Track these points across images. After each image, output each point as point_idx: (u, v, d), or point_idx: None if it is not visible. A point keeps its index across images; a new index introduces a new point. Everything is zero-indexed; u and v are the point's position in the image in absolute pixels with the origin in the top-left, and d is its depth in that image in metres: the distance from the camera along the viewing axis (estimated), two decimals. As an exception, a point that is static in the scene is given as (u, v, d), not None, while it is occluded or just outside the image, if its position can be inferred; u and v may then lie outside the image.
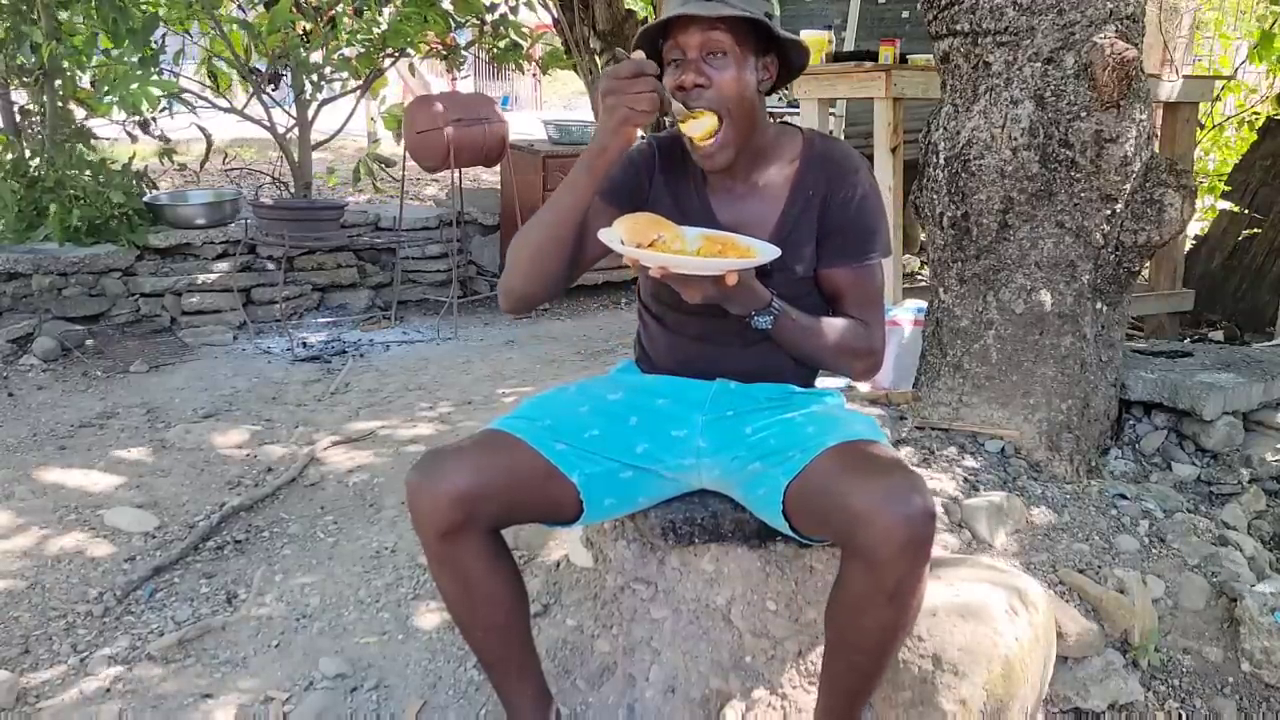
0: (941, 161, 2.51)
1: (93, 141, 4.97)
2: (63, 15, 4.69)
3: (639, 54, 1.54)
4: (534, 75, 7.84)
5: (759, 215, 1.73)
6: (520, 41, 5.80)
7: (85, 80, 4.98)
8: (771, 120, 1.81)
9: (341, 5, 5.30)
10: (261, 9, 5.26)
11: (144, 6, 4.81)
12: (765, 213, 1.73)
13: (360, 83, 5.54)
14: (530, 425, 1.66)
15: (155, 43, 4.88)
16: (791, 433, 1.65)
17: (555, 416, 1.69)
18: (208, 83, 5.26)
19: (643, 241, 1.55)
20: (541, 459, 1.62)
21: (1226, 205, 4.92)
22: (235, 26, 5.08)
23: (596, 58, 7.41)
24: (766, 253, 1.60)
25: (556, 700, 1.76)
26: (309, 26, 5.17)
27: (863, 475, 1.46)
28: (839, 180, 1.72)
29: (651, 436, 1.73)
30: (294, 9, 4.88)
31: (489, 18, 5.60)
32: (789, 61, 1.72)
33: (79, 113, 5.02)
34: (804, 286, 1.73)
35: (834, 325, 1.72)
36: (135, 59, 4.57)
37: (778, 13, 1.66)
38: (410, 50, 5.49)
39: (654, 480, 1.74)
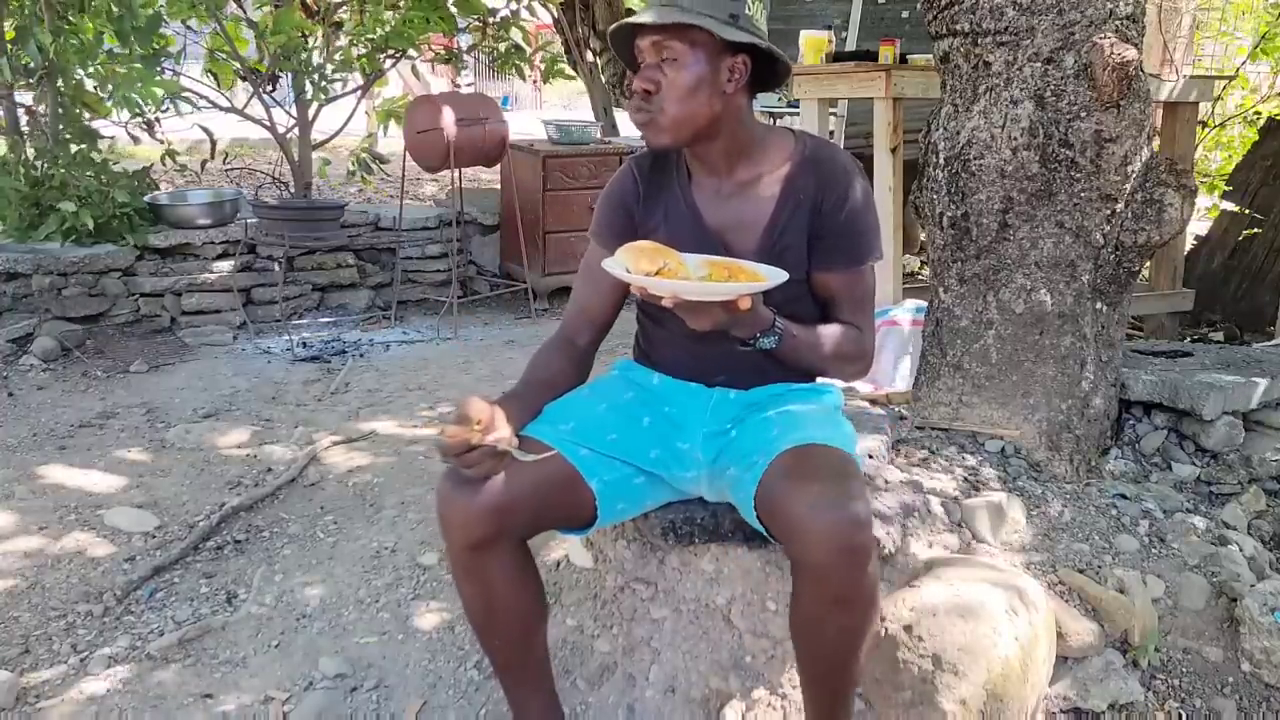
0: (941, 161, 2.51)
1: (97, 142, 4.96)
2: (70, 15, 4.68)
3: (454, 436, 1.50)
4: (534, 83, 7.83)
5: (747, 216, 1.73)
6: (523, 46, 5.79)
7: (89, 81, 4.97)
8: (771, 122, 1.81)
9: (346, 8, 5.30)
10: (266, 8, 5.25)
11: (147, 5, 4.80)
12: (754, 214, 1.73)
13: (362, 83, 5.53)
14: (554, 430, 1.66)
15: (159, 43, 4.87)
16: (759, 434, 1.65)
17: (577, 419, 1.69)
18: (209, 82, 5.25)
19: (648, 270, 1.54)
20: (568, 465, 1.62)
21: (1228, 205, 4.92)
22: (241, 25, 5.08)
23: (597, 57, 7.42)
24: (774, 276, 1.58)
25: (564, 709, 1.76)
26: (312, 28, 5.17)
27: (800, 482, 1.47)
28: (831, 184, 1.71)
29: (662, 444, 1.74)
30: (299, 9, 4.88)
31: (491, 20, 5.59)
32: (772, 59, 1.70)
33: (86, 116, 5.01)
34: (797, 290, 1.73)
35: (830, 334, 1.73)
36: (139, 58, 4.56)
37: (750, 11, 1.66)
38: (413, 52, 5.48)
39: (661, 486, 1.76)
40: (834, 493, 1.43)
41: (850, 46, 5.19)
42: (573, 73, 6.96)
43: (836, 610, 1.44)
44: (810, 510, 1.41)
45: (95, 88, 4.91)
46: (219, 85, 5.20)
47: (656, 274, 1.53)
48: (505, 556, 1.58)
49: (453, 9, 5.25)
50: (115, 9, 4.44)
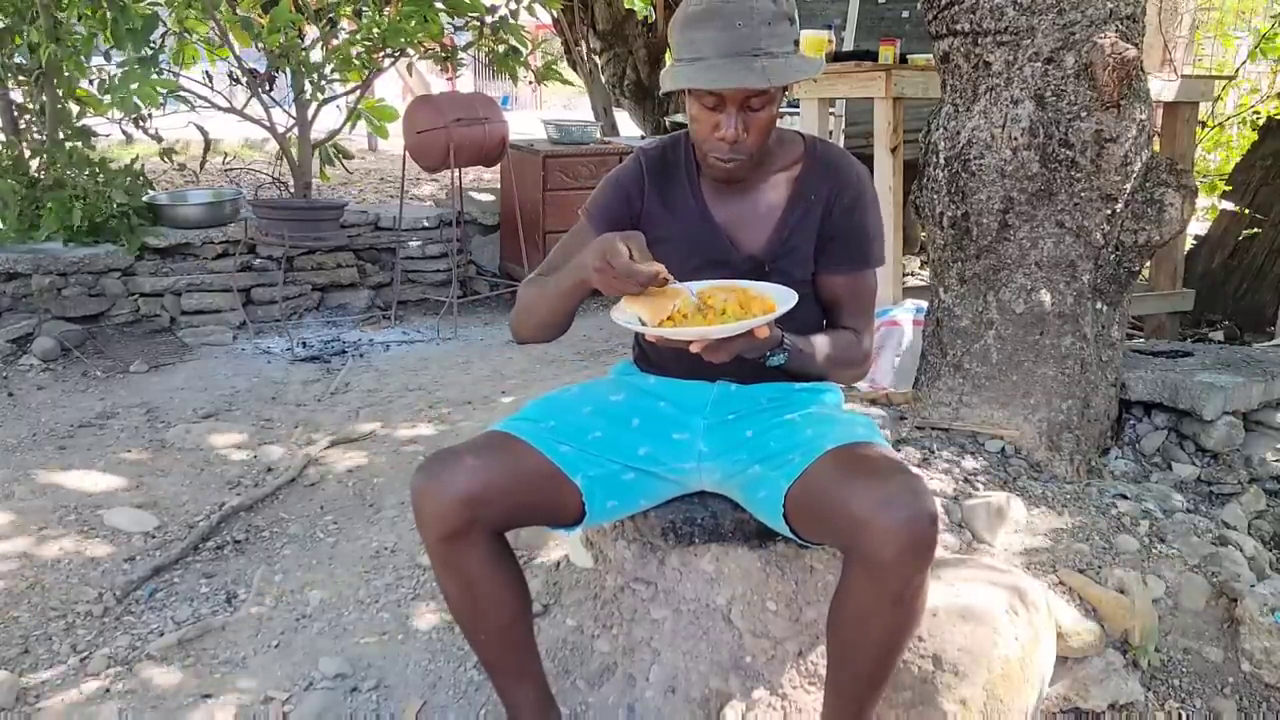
0: (941, 161, 2.51)
1: (92, 140, 4.96)
2: (62, 15, 4.67)
3: (647, 267, 1.51)
4: (530, 84, 7.81)
5: (756, 213, 1.73)
6: (520, 47, 5.79)
7: (86, 80, 4.96)
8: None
9: (343, 6, 5.29)
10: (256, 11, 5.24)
11: (144, 6, 4.79)
12: (763, 212, 1.73)
13: (359, 83, 5.53)
14: (534, 427, 1.66)
15: (154, 43, 4.86)
16: (791, 435, 1.64)
17: (558, 418, 1.69)
18: (188, 74, 5.23)
19: (659, 315, 1.52)
20: (546, 461, 1.62)
21: (1228, 205, 4.92)
22: (236, 24, 5.07)
23: (596, 57, 7.41)
24: (785, 298, 1.57)
25: (559, 703, 1.76)
26: (310, 28, 5.16)
27: (863, 479, 1.46)
28: (842, 186, 1.73)
29: (653, 439, 1.73)
30: (294, 8, 4.86)
31: (489, 19, 5.58)
32: None
33: (78, 112, 5.01)
34: (801, 289, 1.73)
35: (832, 342, 1.73)
36: (135, 59, 4.55)
37: (797, 17, 1.67)
38: (410, 50, 5.47)
39: (655, 482, 1.75)
40: (907, 489, 1.42)
41: (848, 46, 5.18)
42: (570, 75, 6.95)
43: (890, 608, 1.43)
44: (884, 506, 1.39)
45: (91, 82, 4.91)
46: (180, 65, 5.18)
47: (669, 319, 1.53)
48: (481, 547, 1.57)
49: (443, 8, 5.23)
50: (109, 11, 4.44)
